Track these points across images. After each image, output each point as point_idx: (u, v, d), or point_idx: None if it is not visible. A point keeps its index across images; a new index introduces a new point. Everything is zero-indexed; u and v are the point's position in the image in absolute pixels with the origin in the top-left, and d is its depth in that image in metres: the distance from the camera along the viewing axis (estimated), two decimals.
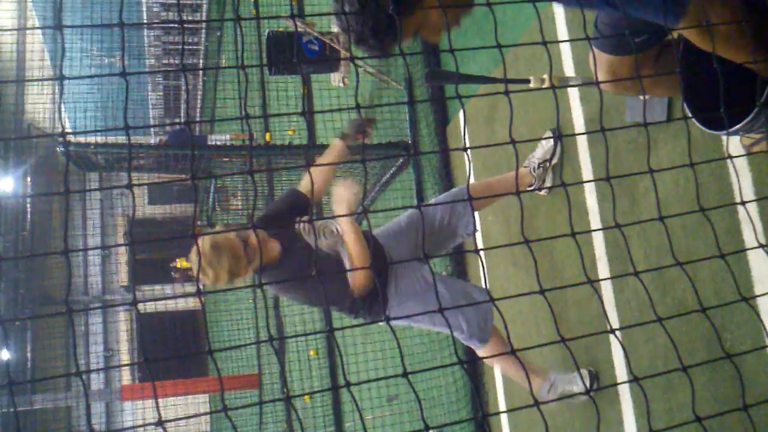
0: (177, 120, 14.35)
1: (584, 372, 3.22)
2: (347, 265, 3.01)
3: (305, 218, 3.13)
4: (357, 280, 3.00)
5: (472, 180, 4.42)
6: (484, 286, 4.19)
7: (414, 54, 4.21)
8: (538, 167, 3.52)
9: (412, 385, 1.04)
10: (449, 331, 3.61)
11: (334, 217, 3.12)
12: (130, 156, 4.01)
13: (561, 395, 3.20)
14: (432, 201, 3.42)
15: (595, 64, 1.82)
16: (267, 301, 8.27)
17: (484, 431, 4.40)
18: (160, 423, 0.90)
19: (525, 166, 3.57)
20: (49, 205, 12.76)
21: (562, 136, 3.44)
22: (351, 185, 3.01)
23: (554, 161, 3.51)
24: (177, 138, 9.76)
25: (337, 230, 3.08)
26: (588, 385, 3.17)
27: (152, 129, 14.54)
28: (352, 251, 3.01)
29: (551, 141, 3.48)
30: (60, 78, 1.01)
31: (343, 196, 3.01)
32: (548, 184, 3.57)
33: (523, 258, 3.91)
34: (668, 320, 1.40)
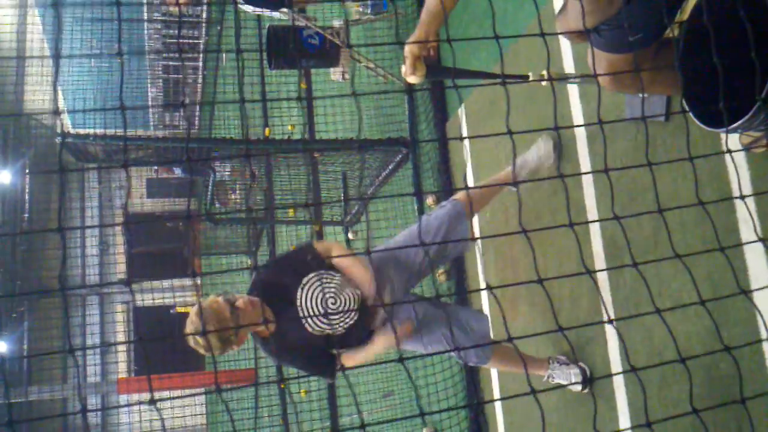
0: (176, 114, 14.36)
1: (578, 370, 3.23)
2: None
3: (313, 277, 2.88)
4: (368, 291, 2.91)
5: (469, 178, 4.42)
6: (481, 309, 4.15)
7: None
8: (530, 171, 3.50)
9: (408, 371, 1.04)
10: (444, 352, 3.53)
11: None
12: (125, 139, 4.00)
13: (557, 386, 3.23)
14: (431, 216, 3.24)
15: (593, 63, 1.82)
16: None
17: (479, 424, 4.41)
18: (152, 402, 0.90)
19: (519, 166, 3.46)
20: (48, 195, 12.75)
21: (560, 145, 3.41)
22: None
23: (549, 164, 3.49)
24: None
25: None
26: (582, 382, 3.19)
27: (151, 123, 14.55)
28: (356, 275, 2.94)
29: (550, 146, 3.43)
30: (56, 57, 1.00)
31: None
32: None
33: (522, 253, 3.92)
34: (666, 317, 1.40)
